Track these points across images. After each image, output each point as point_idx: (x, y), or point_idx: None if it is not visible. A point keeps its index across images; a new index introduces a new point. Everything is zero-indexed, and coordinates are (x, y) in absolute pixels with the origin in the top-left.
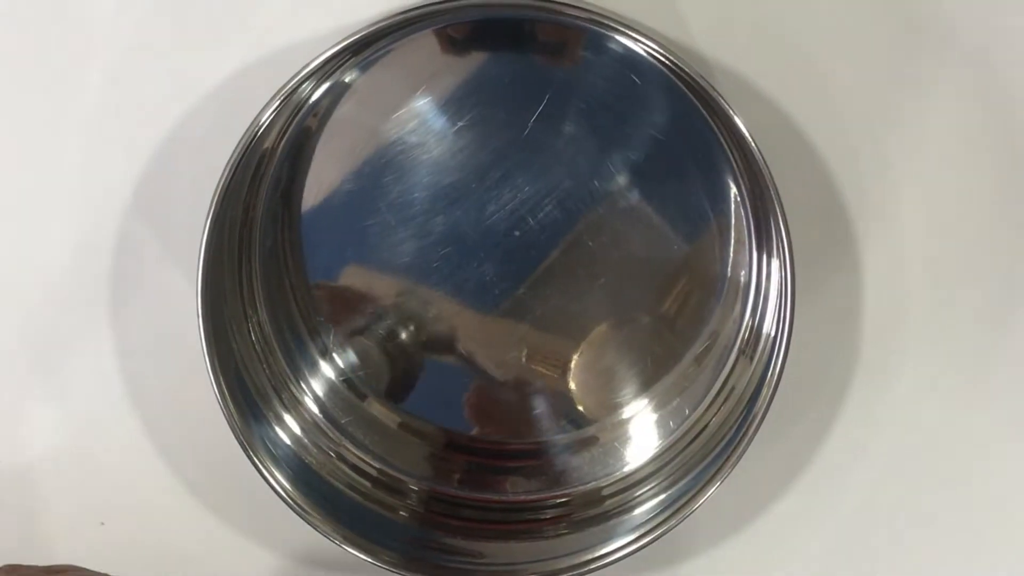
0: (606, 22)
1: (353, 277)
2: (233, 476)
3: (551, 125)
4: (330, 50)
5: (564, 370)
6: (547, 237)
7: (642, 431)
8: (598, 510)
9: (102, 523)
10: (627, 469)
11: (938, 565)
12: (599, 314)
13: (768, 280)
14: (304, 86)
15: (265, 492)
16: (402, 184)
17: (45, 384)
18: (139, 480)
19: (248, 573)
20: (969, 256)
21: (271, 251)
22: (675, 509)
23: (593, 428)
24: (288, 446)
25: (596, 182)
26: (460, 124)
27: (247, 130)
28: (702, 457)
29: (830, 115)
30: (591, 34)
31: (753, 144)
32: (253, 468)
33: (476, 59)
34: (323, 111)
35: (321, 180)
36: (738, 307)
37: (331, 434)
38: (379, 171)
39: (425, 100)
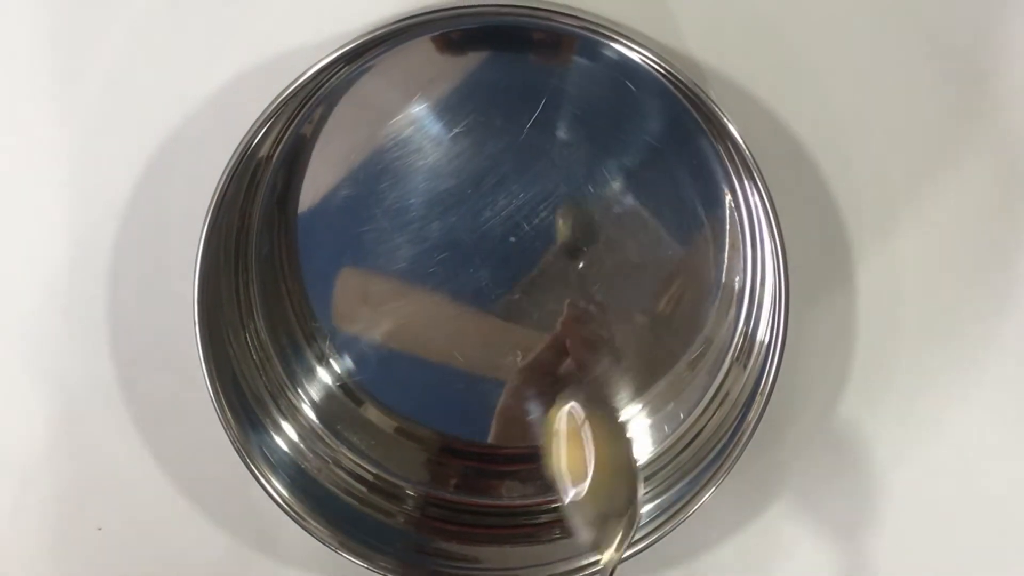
0: (601, 30)
1: (349, 283)
2: (230, 482)
3: (546, 131)
4: (326, 58)
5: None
6: (542, 242)
7: (636, 435)
8: None
9: (99, 528)
10: None
11: (937, 562)
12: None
13: (762, 286)
14: (300, 94)
15: (262, 498)
16: (398, 190)
17: (43, 392)
18: (136, 486)
19: None
20: (964, 263)
21: (268, 258)
22: (670, 514)
23: None
24: (285, 452)
25: (591, 188)
26: (456, 130)
27: (243, 138)
28: (697, 462)
29: (824, 121)
30: (586, 41)
31: (747, 150)
32: (250, 474)
33: (471, 66)
34: (319, 118)
35: (317, 187)
36: (732, 312)
37: (328, 440)
38: (375, 177)
39: (420, 107)
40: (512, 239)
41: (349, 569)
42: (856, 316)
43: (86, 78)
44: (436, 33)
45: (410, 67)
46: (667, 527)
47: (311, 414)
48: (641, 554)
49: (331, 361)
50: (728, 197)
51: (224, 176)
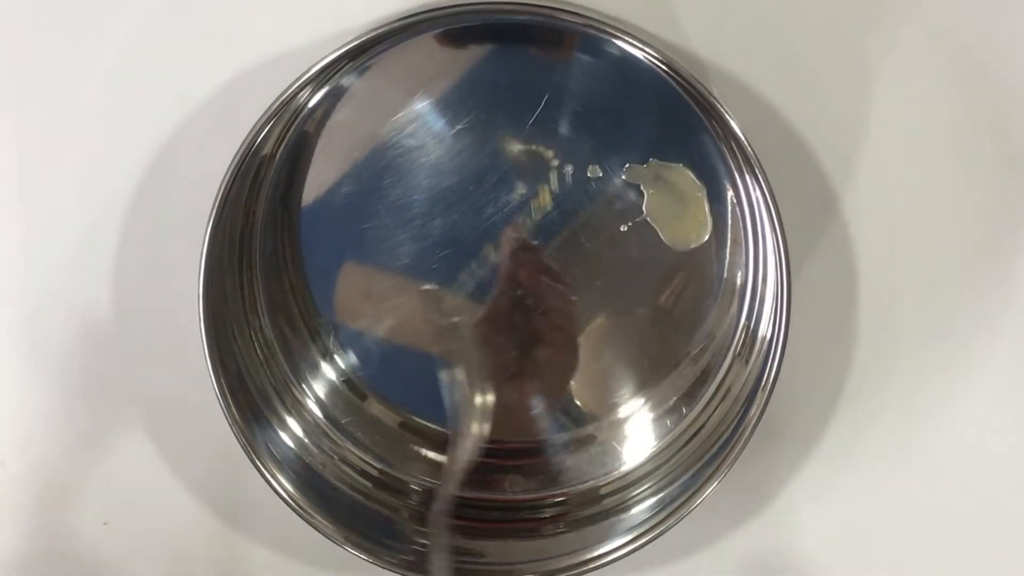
0: (603, 27)
1: (352, 279)
2: (235, 477)
3: (548, 128)
4: (328, 56)
5: (562, 369)
6: (544, 238)
7: (639, 430)
8: (596, 509)
9: (105, 523)
10: (624, 468)
11: (936, 562)
12: (596, 314)
13: (764, 282)
14: (302, 92)
15: (267, 493)
16: (400, 187)
17: (48, 388)
18: (142, 482)
19: (250, 573)
20: (964, 258)
21: (271, 255)
22: (672, 508)
23: (591, 427)
24: (290, 448)
25: (593, 184)
26: (458, 127)
27: (247, 136)
28: (699, 457)
29: (826, 117)
30: (588, 38)
31: (748, 146)
32: (255, 470)
33: (473, 63)
34: (321, 116)
35: (320, 184)
36: (734, 308)
37: (333, 435)
38: (377, 174)
39: (423, 104)
40: (514, 235)
41: (354, 564)
42: (857, 312)
43: (90, 77)
44: (438, 31)
45: (412, 64)
46: (669, 522)
47: (316, 410)
48: (643, 549)
49: (335, 357)
50: (730, 193)
51: (228, 174)
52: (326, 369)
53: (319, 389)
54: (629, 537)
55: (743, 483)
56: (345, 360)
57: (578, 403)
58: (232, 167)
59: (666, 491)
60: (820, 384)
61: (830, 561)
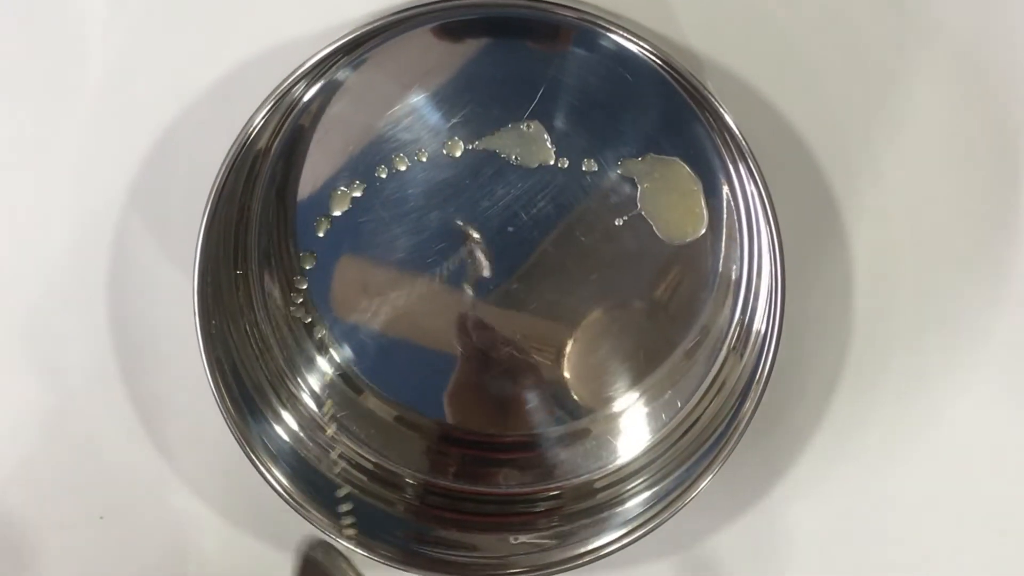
0: (599, 22)
1: (348, 273)
2: (230, 471)
3: (543, 121)
4: (323, 50)
5: (557, 363)
6: (540, 232)
7: (634, 424)
8: (590, 503)
9: (101, 517)
10: (619, 462)
11: (929, 557)
12: (591, 308)
13: (759, 276)
14: (298, 85)
15: (262, 487)
16: (396, 180)
17: (43, 382)
18: (137, 476)
19: (245, 568)
20: (960, 252)
21: (266, 249)
22: (667, 502)
23: (585, 421)
24: (285, 442)
25: (588, 178)
26: (454, 120)
27: (242, 130)
28: (694, 450)
29: (820, 112)
30: (583, 32)
31: (743, 141)
32: (250, 463)
33: (469, 56)
34: (317, 109)
35: (316, 177)
36: (729, 302)
37: (328, 429)
38: (373, 168)
39: (418, 97)
40: (510, 229)
41: (349, 557)
42: (852, 306)
43: (85, 72)
44: (434, 24)
45: (408, 58)
46: (664, 515)
47: (311, 403)
48: (638, 542)
49: (330, 351)
50: (725, 187)
51: (223, 168)
52: (321, 363)
53: (314, 383)
54: (624, 531)
55: (738, 477)
56: (340, 354)
57: (573, 397)
58: (227, 161)
59: (661, 485)
60: (815, 378)
61: (825, 555)
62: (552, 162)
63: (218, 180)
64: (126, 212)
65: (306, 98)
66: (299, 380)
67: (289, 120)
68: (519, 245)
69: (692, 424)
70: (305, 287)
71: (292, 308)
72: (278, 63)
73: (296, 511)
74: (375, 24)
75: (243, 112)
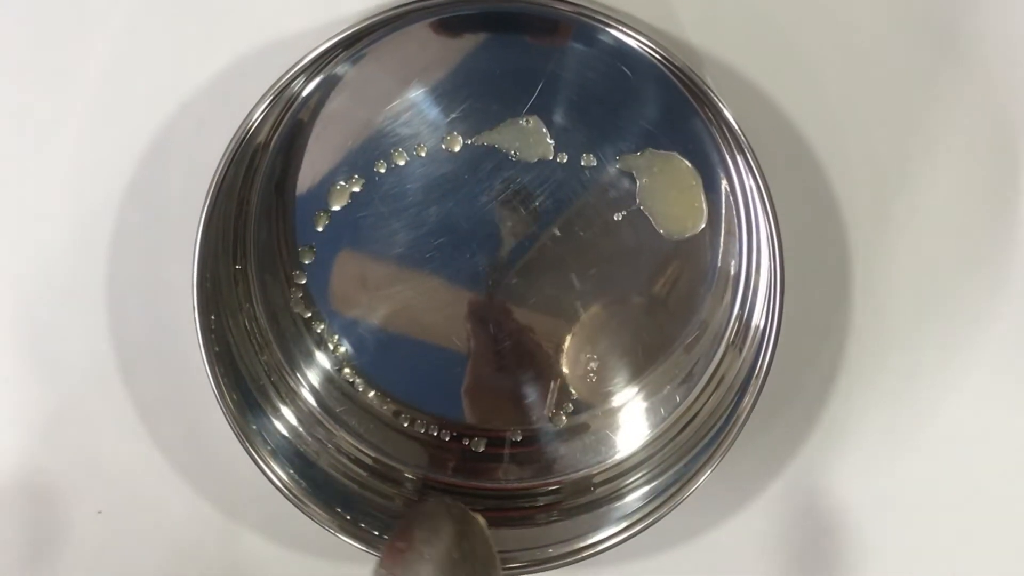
0: (598, 16)
1: (347, 268)
2: (230, 466)
3: (542, 116)
4: (323, 45)
5: (556, 358)
6: (539, 226)
7: (633, 419)
8: (589, 498)
9: (99, 512)
10: (618, 457)
11: (930, 549)
12: (590, 303)
13: (758, 271)
14: (297, 80)
15: (261, 482)
16: (395, 175)
17: (42, 377)
18: (136, 470)
19: (245, 562)
20: (957, 248)
21: (265, 243)
22: (665, 497)
23: (584, 416)
24: (284, 436)
25: (587, 172)
26: (453, 115)
27: (241, 125)
28: (692, 445)
29: (819, 106)
30: (582, 26)
31: (742, 135)
32: (249, 458)
33: (468, 51)
34: (315, 104)
35: (315, 172)
36: (728, 297)
37: (327, 424)
38: (372, 163)
39: (417, 92)
40: (509, 223)
41: (347, 552)
42: (850, 301)
43: (84, 66)
44: (433, 19)
45: (407, 53)
46: (663, 510)
47: (310, 398)
48: (636, 536)
49: (329, 346)
50: (724, 182)
51: (222, 163)
52: (320, 358)
53: (313, 378)
54: (622, 525)
55: (736, 472)
56: (339, 349)
57: (572, 392)
58: (226, 156)
59: (659, 480)
60: (813, 373)
61: (823, 550)
62: (551, 157)
63: (217, 175)
64: (125, 207)
65: (305, 93)
66: (298, 375)
67: (288, 115)
68: (518, 240)
69: (691, 419)
70: (304, 282)
71: (291, 303)
72: (277, 58)
73: (294, 505)
74: (374, 19)
75: (242, 107)
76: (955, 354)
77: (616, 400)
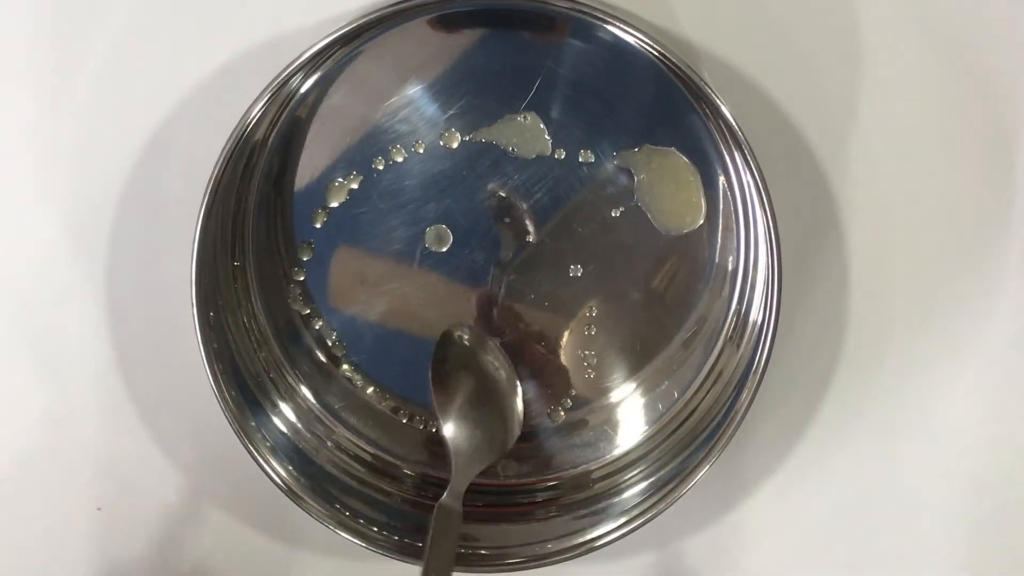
0: (595, 13)
1: (345, 264)
2: (228, 462)
3: (540, 113)
4: (321, 42)
5: (554, 354)
6: (537, 223)
7: (631, 414)
8: (588, 493)
9: (98, 508)
10: (616, 452)
11: (924, 545)
12: (588, 298)
13: (755, 267)
14: (294, 77)
15: (260, 478)
16: (393, 172)
17: (42, 375)
18: (135, 467)
19: (244, 558)
20: (954, 242)
21: (264, 240)
22: (664, 492)
23: (583, 411)
24: (283, 433)
25: (585, 169)
26: (450, 112)
27: (239, 122)
28: (690, 441)
29: (816, 102)
30: (579, 23)
31: (740, 131)
32: (248, 455)
33: (465, 48)
34: (313, 101)
35: (313, 169)
36: (726, 292)
37: (326, 420)
38: (370, 159)
39: (415, 89)
40: (507, 220)
41: (347, 549)
42: (848, 296)
43: (82, 64)
44: (431, 16)
45: (404, 49)
46: (661, 505)
47: (309, 395)
48: (635, 532)
49: (328, 343)
50: (721, 178)
51: (220, 160)
52: (319, 355)
53: (312, 374)
54: (621, 521)
55: (734, 467)
56: (338, 345)
57: (571, 387)
58: (224, 153)
59: (658, 475)
60: (811, 368)
61: (821, 544)
62: (549, 153)
63: (215, 172)
64: (124, 204)
65: (303, 90)
66: (296, 372)
67: (286, 112)
68: (516, 236)
69: (689, 414)
70: (302, 278)
71: (290, 299)
72: (275, 55)
73: (293, 501)
74: (372, 16)
75: (240, 104)
76: (952, 349)
77: (614, 396)
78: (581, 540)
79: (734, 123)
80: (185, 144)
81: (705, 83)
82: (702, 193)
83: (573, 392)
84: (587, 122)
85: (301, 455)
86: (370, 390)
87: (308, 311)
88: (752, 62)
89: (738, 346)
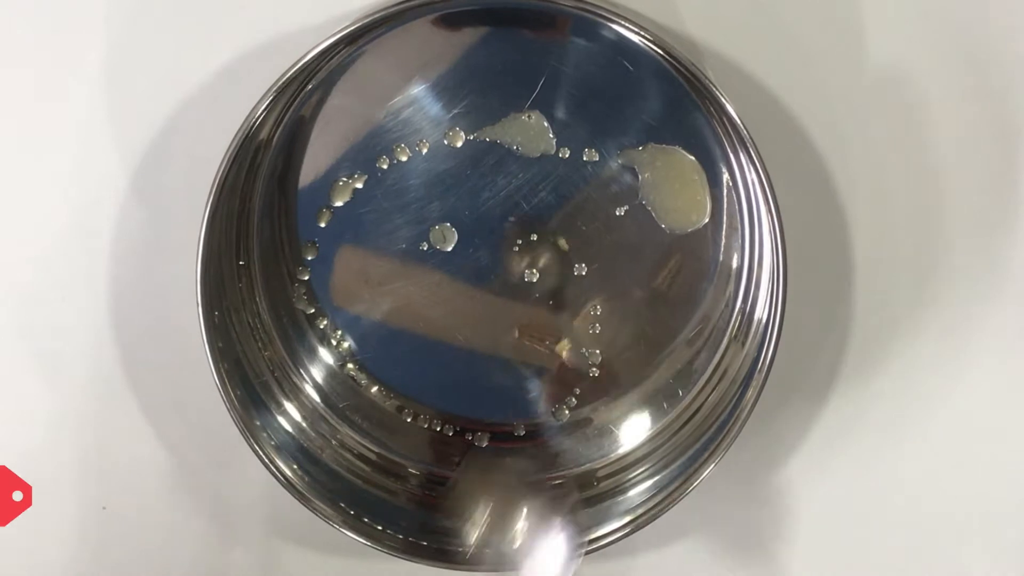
0: (598, 11)
1: (350, 263)
2: (233, 462)
3: (544, 111)
4: (324, 42)
5: (558, 352)
6: (541, 222)
7: (636, 413)
8: (592, 492)
9: (103, 507)
10: (621, 451)
11: (931, 542)
12: (593, 297)
13: (760, 265)
14: (299, 77)
15: (265, 477)
16: (397, 171)
17: (46, 374)
18: (140, 466)
19: (249, 558)
20: (961, 239)
21: (269, 240)
22: (669, 491)
23: (587, 410)
24: (288, 432)
25: (590, 167)
26: (455, 111)
27: (243, 122)
28: (695, 439)
29: (821, 100)
30: (583, 21)
31: (744, 130)
32: (253, 454)
33: (469, 46)
34: (317, 101)
35: (317, 168)
36: (730, 291)
37: (331, 419)
38: (374, 159)
39: (419, 88)
40: (511, 219)
41: (352, 548)
42: (853, 294)
43: (85, 63)
44: (434, 15)
45: (408, 48)
46: (666, 504)
47: (314, 394)
48: (641, 530)
49: (332, 342)
50: (726, 176)
51: (225, 160)
52: (324, 354)
53: (317, 374)
54: (626, 520)
55: (739, 465)
56: (343, 344)
57: (575, 386)
58: (229, 153)
59: (662, 474)
60: (816, 366)
61: (827, 542)
62: (553, 152)
63: (220, 172)
64: (128, 204)
65: (308, 89)
66: (301, 371)
67: (290, 112)
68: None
69: (694, 413)
70: (307, 278)
71: (294, 299)
72: (279, 55)
73: (299, 500)
74: (376, 15)
75: (245, 104)
76: (958, 345)
77: (618, 394)
78: (586, 539)
79: (739, 121)
80: (189, 144)
81: (709, 81)
82: (707, 191)
83: (577, 391)
84: (591, 121)
85: (306, 454)
86: (375, 389)
87: (313, 310)
88: (756, 60)
89: (743, 344)
